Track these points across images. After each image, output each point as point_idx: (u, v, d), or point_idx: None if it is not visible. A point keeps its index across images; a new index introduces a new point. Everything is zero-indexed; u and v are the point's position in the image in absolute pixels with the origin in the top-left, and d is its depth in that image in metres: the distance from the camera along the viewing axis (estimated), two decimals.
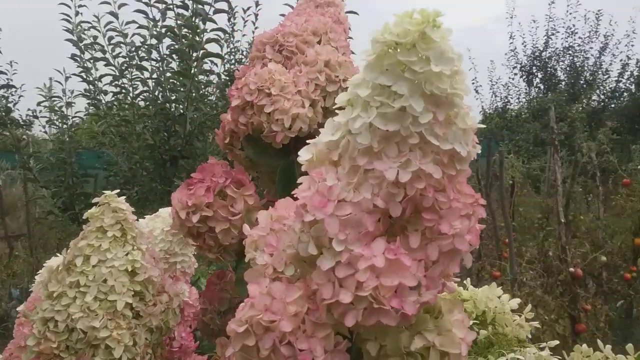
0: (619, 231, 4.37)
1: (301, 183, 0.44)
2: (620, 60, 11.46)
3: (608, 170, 5.08)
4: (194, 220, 0.68)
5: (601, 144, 4.70)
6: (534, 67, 11.55)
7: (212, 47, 2.60)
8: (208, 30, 2.52)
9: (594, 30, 11.41)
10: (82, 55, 2.77)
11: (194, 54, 2.51)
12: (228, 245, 0.70)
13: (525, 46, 11.53)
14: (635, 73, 11.67)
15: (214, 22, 2.53)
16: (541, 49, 11.52)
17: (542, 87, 11.67)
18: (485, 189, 4.01)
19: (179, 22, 2.54)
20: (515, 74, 11.61)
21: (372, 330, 0.42)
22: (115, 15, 2.75)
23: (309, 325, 0.42)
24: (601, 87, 11.73)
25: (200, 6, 2.32)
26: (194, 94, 2.61)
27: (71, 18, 2.75)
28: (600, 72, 11.56)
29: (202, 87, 2.71)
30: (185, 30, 2.53)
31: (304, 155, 0.45)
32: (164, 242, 0.89)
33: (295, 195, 0.44)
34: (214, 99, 2.91)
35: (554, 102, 9.05)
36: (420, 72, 0.38)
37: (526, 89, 11.68)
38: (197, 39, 2.46)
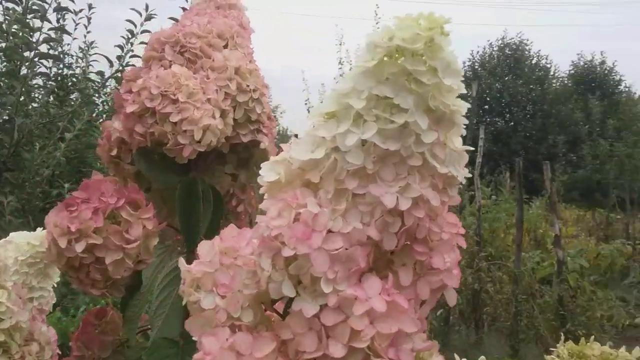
0: None
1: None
2: None
3: None
4: (77, 249, 0.56)
5: None
6: None
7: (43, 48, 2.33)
8: (44, 29, 2.25)
9: None
10: None
11: (26, 54, 2.22)
12: (119, 279, 0.59)
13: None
14: None
15: (49, 21, 2.27)
16: None
17: None
18: None
19: (7, 17, 2.23)
20: None
21: None
22: None
23: None
24: None
25: (39, 2, 2.06)
26: (22, 99, 2.30)
27: None
28: None
29: (34, 91, 2.41)
30: (16, 27, 2.24)
31: (267, 175, 0.37)
32: (18, 274, 0.73)
33: (257, 222, 0.36)
34: (38, 105, 2.61)
35: None
36: (428, 85, 0.33)
37: None
38: (32, 37, 2.18)
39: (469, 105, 0.35)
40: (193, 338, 0.39)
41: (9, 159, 2.33)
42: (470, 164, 4.68)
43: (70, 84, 2.90)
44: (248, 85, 0.66)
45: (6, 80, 2.30)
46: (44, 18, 2.22)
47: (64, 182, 2.71)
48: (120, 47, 2.69)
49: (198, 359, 0.34)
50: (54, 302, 0.81)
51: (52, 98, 2.72)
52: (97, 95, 2.98)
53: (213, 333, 0.35)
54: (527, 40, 13.52)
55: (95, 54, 3.34)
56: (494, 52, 13.49)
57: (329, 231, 0.34)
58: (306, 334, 0.33)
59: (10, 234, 0.79)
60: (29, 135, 2.43)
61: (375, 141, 0.33)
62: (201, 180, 0.66)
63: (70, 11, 2.29)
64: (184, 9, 2.78)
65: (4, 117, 2.36)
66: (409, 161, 0.34)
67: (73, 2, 2.46)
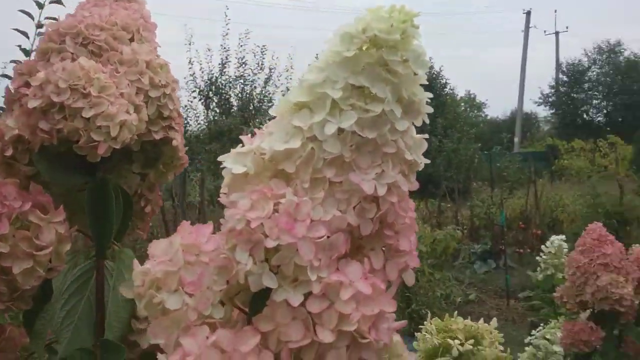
0: None
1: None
2: (281, 91, 12.95)
3: None
4: None
5: None
6: (210, 92, 12.24)
7: None
8: None
9: (261, 62, 12.69)
10: None
11: None
12: (27, 290, 0.53)
13: (202, 72, 12.16)
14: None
15: None
16: (217, 75, 12.30)
17: (217, 110, 12.43)
18: (180, 206, 4.10)
19: None
20: (195, 98, 12.14)
21: None
22: None
23: None
24: (267, 114, 13.13)
25: None
26: None
27: None
28: (265, 100, 12.92)
29: None
30: None
31: (234, 167, 0.37)
32: None
33: (226, 216, 0.35)
34: None
35: (231, 125, 9.69)
36: (402, 75, 0.35)
37: (204, 112, 12.27)
38: None
39: (430, 95, 0.37)
40: (154, 342, 0.37)
41: None
42: None
43: None
44: (160, 80, 0.63)
45: None
46: None
47: None
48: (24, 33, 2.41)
49: None
50: None
51: None
52: None
53: (191, 333, 0.34)
54: None
55: None
56: None
57: (314, 220, 0.34)
58: (290, 323, 0.33)
59: None
60: None
61: (354, 130, 0.34)
62: (108, 182, 0.62)
63: None
64: (38, 3, 2.56)
65: None
66: (384, 148, 0.35)
67: None
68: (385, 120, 0.35)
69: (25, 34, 2.48)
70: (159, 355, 0.36)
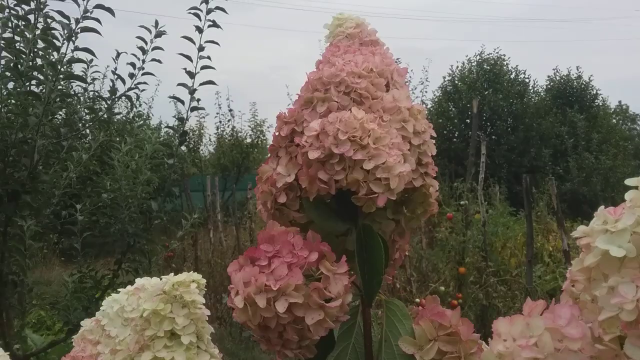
0: (443, 262, 4.72)
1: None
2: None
3: None
4: (279, 309, 0.52)
5: None
6: None
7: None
8: (70, 50, 2.19)
9: None
10: None
11: (50, 74, 2.15)
12: (314, 340, 0.55)
13: None
14: (427, 116, 13.13)
15: (73, 41, 2.21)
16: None
17: None
18: None
19: (25, 32, 2.16)
20: None
21: None
22: None
23: None
24: None
25: (65, 20, 2.00)
26: (43, 120, 2.23)
27: None
28: None
29: (57, 111, 2.34)
30: (41, 46, 2.17)
31: (609, 247, 0.34)
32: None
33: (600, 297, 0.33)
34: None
35: None
36: None
37: None
38: (55, 57, 2.12)
39: None
40: None
41: (27, 182, 2.25)
42: (474, 178, 4.68)
43: (75, 101, 2.84)
44: (421, 127, 0.63)
45: (25, 100, 2.23)
46: (71, 37, 2.17)
47: (75, 203, 2.63)
48: (132, 64, 2.64)
49: None
50: None
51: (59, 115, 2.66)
52: (105, 113, 2.91)
53: None
54: (505, 55, 13.77)
55: (96, 72, 3.26)
56: (472, 67, 13.69)
57: None
58: None
59: (137, 280, 0.74)
60: (47, 157, 2.35)
61: None
62: (370, 227, 0.62)
63: (93, 30, 2.24)
64: (197, 28, 2.74)
65: (21, 138, 2.28)
66: None
67: (99, 21, 2.40)
68: None
69: (189, 57, 2.67)
70: None
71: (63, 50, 2.15)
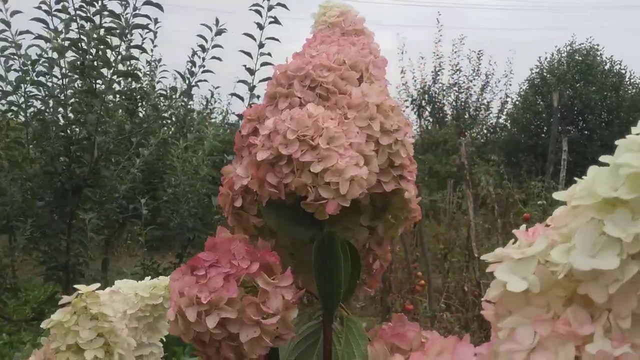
0: None
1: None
2: (500, 98, 12.31)
3: (503, 202, 5.25)
4: (209, 324, 0.48)
5: (502, 179, 4.88)
6: (423, 101, 12.12)
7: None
8: (123, 48, 2.25)
9: (476, 68, 12.22)
10: None
11: (106, 72, 2.22)
12: (254, 358, 0.50)
13: (415, 81, 12.10)
14: (512, 110, 12.61)
15: (125, 40, 2.27)
16: (430, 84, 12.14)
17: (431, 120, 12.26)
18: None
19: (81, 35, 2.24)
20: (407, 107, 12.12)
21: None
22: (7, 23, 2.40)
23: None
24: (483, 123, 12.53)
25: (117, 20, 2.05)
26: (103, 117, 2.31)
27: None
28: (482, 108, 12.35)
29: (113, 108, 2.41)
30: (95, 44, 2.25)
31: (509, 279, 0.27)
32: (128, 330, 0.66)
33: (498, 349, 0.26)
34: (113, 122, 2.62)
35: (445, 135, 9.47)
36: None
37: (417, 121, 12.22)
38: (111, 55, 2.18)
39: None
40: None
41: (89, 176, 2.34)
42: (553, 177, 4.43)
43: (138, 97, 2.92)
44: (391, 125, 0.56)
45: (85, 98, 2.31)
46: (122, 36, 2.22)
47: (139, 197, 2.72)
48: (192, 62, 2.68)
49: None
50: (161, 356, 0.74)
51: (121, 112, 2.75)
52: (166, 109, 2.97)
53: None
54: (598, 45, 12.94)
55: (164, 70, 3.35)
56: (562, 59, 12.97)
57: None
58: None
59: (115, 282, 0.73)
60: (107, 152, 2.44)
61: None
62: (334, 236, 0.57)
63: (142, 26, 2.29)
64: (258, 24, 2.74)
65: (84, 135, 2.37)
66: None
67: (149, 17, 2.45)
68: None
69: (249, 54, 2.67)
70: None
71: (120, 48, 2.21)
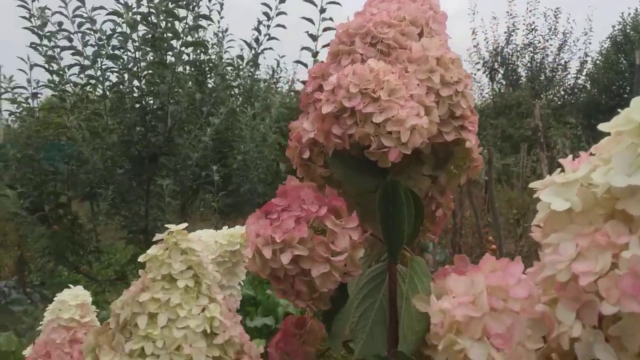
0: None
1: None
2: (579, 58, 11.70)
3: None
4: (283, 260, 0.53)
5: (579, 141, 4.71)
6: (495, 63, 11.71)
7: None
8: (189, 19, 2.33)
9: (553, 27, 11.65)
10: (43, 43, 2.53)
11: (176, 43, 2.31)
12: (325, 292, 0.55)
13: (487, 42, 11.67)
14: (592, 70, 11.96)
15: (192, 11, 2.35)
16: (502, 45, 11.67)
17: (504, 82, 11.85)
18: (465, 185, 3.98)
19: (150, 8, 2.33)
20: (478, 70, 11.74)
21: None
22: (82, 0, 2.52)
23: None
24: (560, 84, 11.98)
25: None
26: (174, 87, 2.41)
27: (28, 3, 2.51)
28: (559, 69, 11.80)
29: (184, 78, 2.51)
30: (163, 17, 2.33)
31: (553, 200, 0.30)
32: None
33: (542, 258, 0.29)
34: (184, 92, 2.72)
35: (519, 98, 9.16)
36: None
37: (489, 85, 11.84)
38: (179, 27, 2.26)
39: None
40: None
41: (164, 145, 2.46)
42: None
43: (207, 68, 3.01)
44: (452, 77, 0.58)
45: (157, 70, 2.41)
46: (189, 6, 2.29)
47: (211, 164, 2.82)
48: (258, 30, 2.72)
49: None
50: (240, 299, 0.80)
51: (190, 83, 2.84)
52: (234, 79, 3.04)
53: None
54: None
55: (231, 40, 3.41)
56: None
57: None
58: None
59: (197, 231, 0.79)
60: (180, 121, 2.54)
61: None
62: (399, 184, 0.60)
63: None
64: None
65: (158, 105, 2.48)
66: None
67: None
68: None
69: (310, 20, 2.69)
70: None
71: (188, 19, 2.29)
